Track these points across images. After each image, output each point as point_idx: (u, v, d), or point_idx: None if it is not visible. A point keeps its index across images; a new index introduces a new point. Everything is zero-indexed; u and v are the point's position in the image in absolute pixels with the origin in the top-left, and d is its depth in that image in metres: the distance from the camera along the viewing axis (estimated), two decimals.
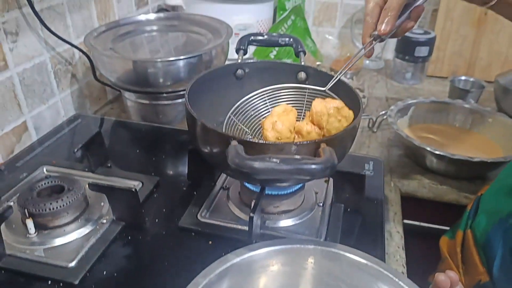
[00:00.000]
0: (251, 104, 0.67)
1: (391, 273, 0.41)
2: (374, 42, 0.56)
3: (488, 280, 0.52)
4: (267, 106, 0.67)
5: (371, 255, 0.46)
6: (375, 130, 0.97)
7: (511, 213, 0.51)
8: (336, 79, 0.60)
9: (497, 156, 0.79)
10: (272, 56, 1.16)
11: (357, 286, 0.43)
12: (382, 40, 0.56)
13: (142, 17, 1.02)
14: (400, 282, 0.39)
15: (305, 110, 0.65)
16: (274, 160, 0.44)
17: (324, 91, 0.62)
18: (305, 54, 0.69)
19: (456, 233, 0.65)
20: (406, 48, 1.18)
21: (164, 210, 0.65)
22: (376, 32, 0.55)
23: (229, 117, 0.66)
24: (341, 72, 0.60)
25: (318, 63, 1.25)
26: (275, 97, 0.67)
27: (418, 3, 0.57)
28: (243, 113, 0.67)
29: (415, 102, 0.94)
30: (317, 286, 0.45)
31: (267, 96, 0.67)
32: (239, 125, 0.66)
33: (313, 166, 0.43)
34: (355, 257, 0.43)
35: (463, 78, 1.08)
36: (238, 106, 0.67)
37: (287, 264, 0.44)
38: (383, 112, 0.98)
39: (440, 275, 0.36)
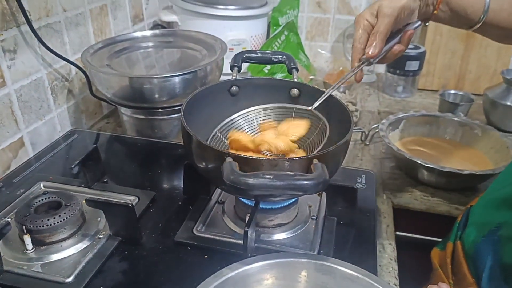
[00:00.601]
0: (240, 122, 0.69)
1: (382, 286, 0.43)
2: (362, 65, 0.58)
3: None
4: (254, 124, 0.69)
5: (363, 267, 0.47)
6: (367, 143, 0.99)
7: (500, 225, 0.51)
8: (322, 99, 0.62)
9: (486, 168, 0.81)
10: (266, 71, 1.18)
11: None
12: (370, 64, 0.59)
13: (138, 33, 1.04)
14: None
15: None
16: (268, 176, 0.45)
17: (310, 110, 0.64)
18: (297, 71, 0.71)
19: (446, 245, 0.66)
20: (397, 63, 1.21)
21: (160, 224, 0.66)
22: (364, 56, 0.57)
23: (215, 133, 0.67)
24: (327, 93, 0.62)
25: (311, 77, 1.28)
26: (263, 116, 0.69)
27: (407, 28, 0.59)
28: (230, 130, 0.68)
29: (406, 115, 0.96)
30: None
31: (255, 116, 0.69)
32: (224, 142, 0.67)
33: (306, 182, 0.45)
34: (347, 270, 0.44)
35: (452, 91, 1.11)
36: (226, 123, 0.68)
37: (281, 277, 0.45)
38: (375, 125, 1.00)
39: (433, 286, 0.37)
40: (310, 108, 0.64)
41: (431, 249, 0.81)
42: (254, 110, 0.69)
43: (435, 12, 0.62)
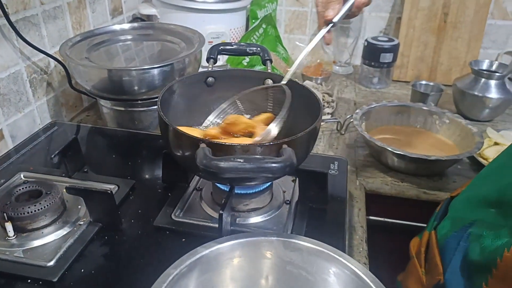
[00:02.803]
0: (228, 111, 0.72)
1: (346, 260, 0.46)
2: (328, 27, 0.63)
3: None
4: (241, 110, 0.72)
5: (333, 246, 0.50)
6: (343, 133, 1.03)
7: (473, 223, 0.51)
8: (292, 72, 0.66)
9: (453, 154, 0.85)
10: (245, 63, 1.21)
11: (316, 272, 0.47)
12: (335, 25, 0.63)
13: (117, 26, 1.05)
14: (349, 264, 0.44)
15: (273, 108, 0.70)
16: (239, 160, 0.48)
17: (281, 85, 0.66)
18: (271, 62, 0.74)
19: (423, 234, 0.68)
20: (372, 55, 1.25)
21: (139, 211, 0.68)
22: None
23: (192, 124, 0.70)
24: (295, 64, 0.65)
25: (289, 69, 1.30)
26: (245, 100, 0.71)
27: None
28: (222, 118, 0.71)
29: (378, 105, 1.00)
30: (280, 275, 0.49)
31: (238, 101, 0.71)
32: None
33: (274, 165, 0.48)
34: (313, 246, 0.47)
35: (423, 82, 1.15)
36: (219, 113, 0.72)
37: (252, 255, 0.48)
38: (350, 115, 1.03)
39: None
40: (281, 83, 0.67)
41: (401, 233, 0.84)
42: (239, 98, 0.71)
43: None
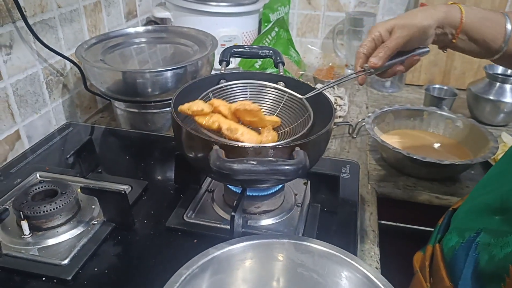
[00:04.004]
0: (232, 90, 0.71)
1: (358, 263, 0.46)
2: (363, 73, 0.61)
3: None
4: (247, 95, 0.71)
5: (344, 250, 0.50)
6: (354, 136, 1.02)
7: (479, 231, 0.50)
8: (317, 92, 0.65)
9: (467, 159, 0.84)
10: (257, 66, 1.21)
11: (327, 275, 0.47)
12: (371, 73, 0.61)
13: (131, 29, 1.06)
14: (361, 268, 0.44)
15: (279, 112, 0.70)
16: (251, 162, 0.48)
17: (301, 99, 0.67)
18: (283, 64, 0.74)
19: (426, 248, 0.66)
20: None
21: (152, 212, 0.69)
22: (367, 64, 0.60)
23: (207, 94, 0.68)
24: (323, 87, 0.65)
25: (301, 72, 1.31)
26: (256, 91, 0.71)
27: (415, 53, 0.62)
28: (222, 94, 0.70)
29: (391, 109, 0.99)
30: (291, 277, 0.49)
31: (249, 88, 0.71)
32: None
33: (287, 167, 0.48)
34: (325, 248, 0.47)
35: (437, 86, 1.14)
36: (221, 87, 0.70)
37: (263, 257, 0.49)
38: (362, 119, 1.03)
39: None
40: (302, 96, 0.67)
41: (413, 238, 0.83)
42: (251, 83, 0.71)
43: (454, 41, 0.62)
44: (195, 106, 0.60)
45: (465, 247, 0.51)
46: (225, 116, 0.63)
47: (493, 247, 0.46)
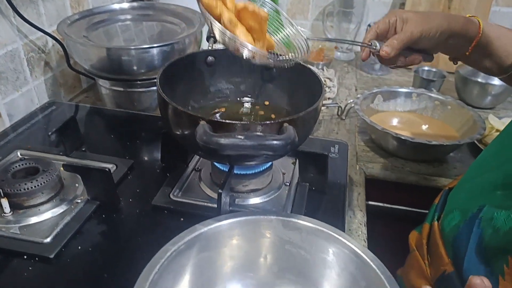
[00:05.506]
0: None
1: (345, 238, 0.46)
2: (370, 49, 0.62)
3: (452, 270, 0.53)
4: None
5: None
6: (343, 118, 1.02)
7: (481, 208, 0.50)
8: (321, 40, 0.64)
9: (454, 140, 0.84)
10: None
11: (315, 251, 0.47)
12: (375, 51, 0.61)
13: (116, 6, 1.03)
14: (348, 243, 0.44)
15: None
16: (239, 136, 0.47)
17: (305, 38, 0.66)
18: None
19: (423, 226, 0.67)
20: None
21: (138, 190, 0.67)
22: (378, 49, 0.60)
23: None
24: (328, 39, 0.64)
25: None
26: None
27: (419, 53, 0.63)
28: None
29: (380, 90, 0.99)
30: (279, 254, 0.49)
31: None
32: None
33: (275, 142, 0.47)
34: (312, 225, 0.47)
35: (426, 68, 1.14)
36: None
37: (251, 233, 0.48)
38: (351, 100, 1.02)
39: (476, 278, 0.33)
40: (306, 36, 0.65)
41: (401, 218, 0.84)
42: None
43: (467, 53, 0.62)
44: None
45: (468, 224, 0.52)
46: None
47: (497, 220, 0.47)
